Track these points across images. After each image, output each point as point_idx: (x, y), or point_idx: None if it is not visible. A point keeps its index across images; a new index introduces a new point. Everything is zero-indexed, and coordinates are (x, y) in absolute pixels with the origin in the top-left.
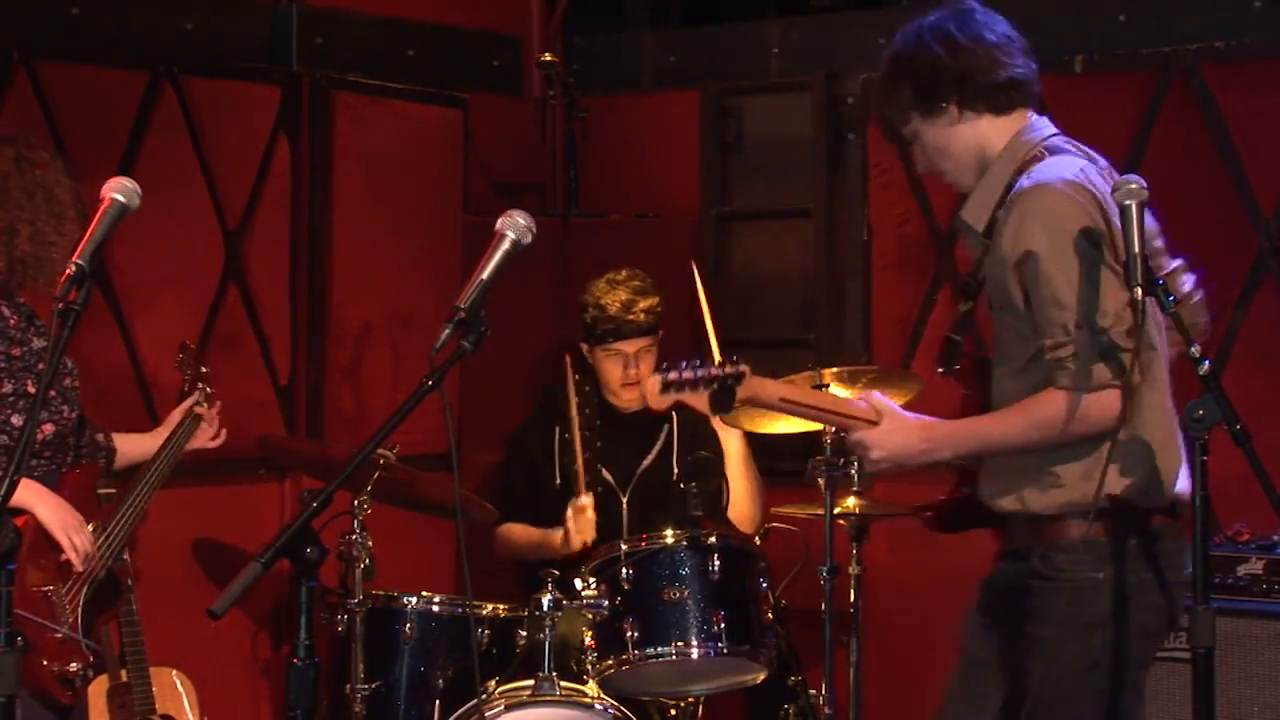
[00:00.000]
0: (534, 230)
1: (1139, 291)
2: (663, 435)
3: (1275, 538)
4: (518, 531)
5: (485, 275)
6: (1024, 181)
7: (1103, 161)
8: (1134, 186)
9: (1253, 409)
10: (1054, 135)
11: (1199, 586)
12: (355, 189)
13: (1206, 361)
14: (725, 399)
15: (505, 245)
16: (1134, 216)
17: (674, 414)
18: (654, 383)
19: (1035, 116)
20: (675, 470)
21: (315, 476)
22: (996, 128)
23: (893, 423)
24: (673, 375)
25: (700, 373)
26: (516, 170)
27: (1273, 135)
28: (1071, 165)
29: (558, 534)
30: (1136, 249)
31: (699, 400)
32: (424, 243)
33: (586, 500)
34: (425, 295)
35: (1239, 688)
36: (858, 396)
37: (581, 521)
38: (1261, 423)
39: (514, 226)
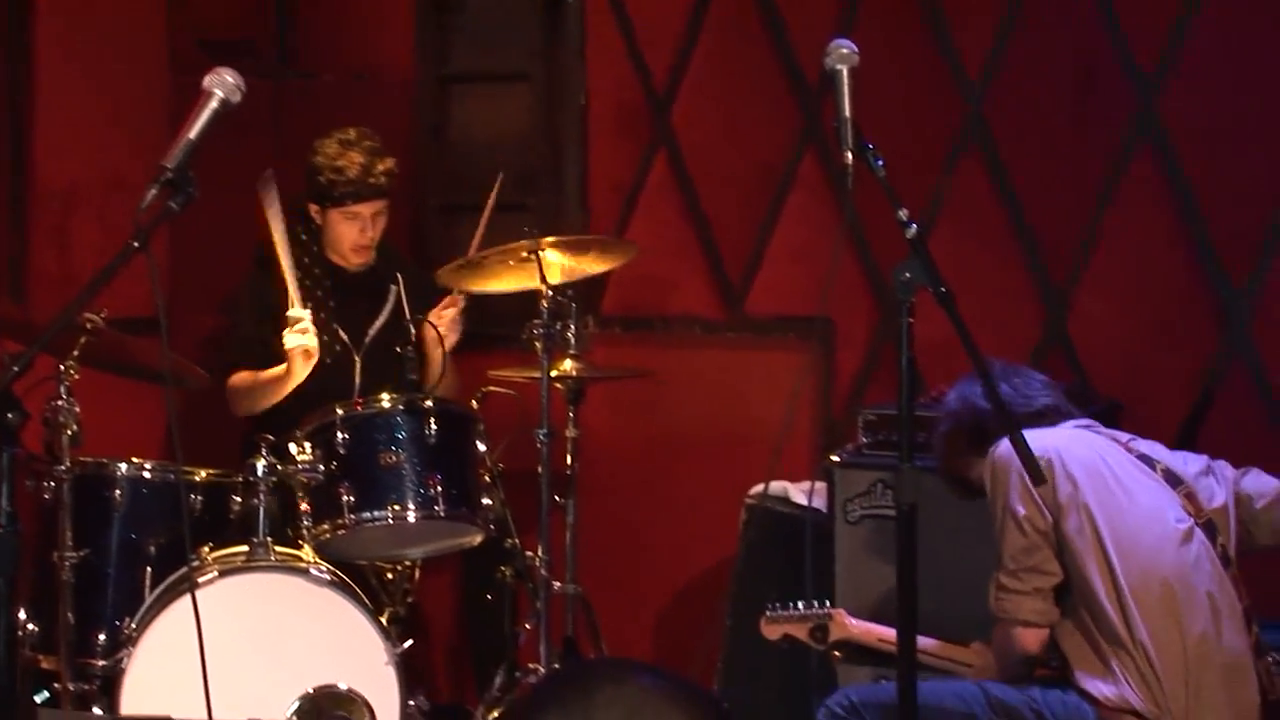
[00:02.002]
0: (243, 89)
1: (848, 155)
2: (391, 297)
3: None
4: (249, 378)
5: (192, 135)
6: None
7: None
8: (844, 51)
9: (957, 271)
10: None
11: (903, 445)
12: (56, 47)
13: (913, 225)
14: (822, 635)
15: (213, 104)
16: (844, 81)
17: (399, 275)
18: (764, 619)
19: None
20: (410, 331)
21: (19, 341)
22: None
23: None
24: (781, 613)
25: (802, 612)
26: (225, 27)
27: None
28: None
29: (284, 365)
30: (846, 113)
31: (800, 630)
32: (130, 102)
33: (303, 312)
34: (132, 156)
35: (939, 540)
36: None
37: (299, 337)
38: (965, 285)
39: (222, 85)
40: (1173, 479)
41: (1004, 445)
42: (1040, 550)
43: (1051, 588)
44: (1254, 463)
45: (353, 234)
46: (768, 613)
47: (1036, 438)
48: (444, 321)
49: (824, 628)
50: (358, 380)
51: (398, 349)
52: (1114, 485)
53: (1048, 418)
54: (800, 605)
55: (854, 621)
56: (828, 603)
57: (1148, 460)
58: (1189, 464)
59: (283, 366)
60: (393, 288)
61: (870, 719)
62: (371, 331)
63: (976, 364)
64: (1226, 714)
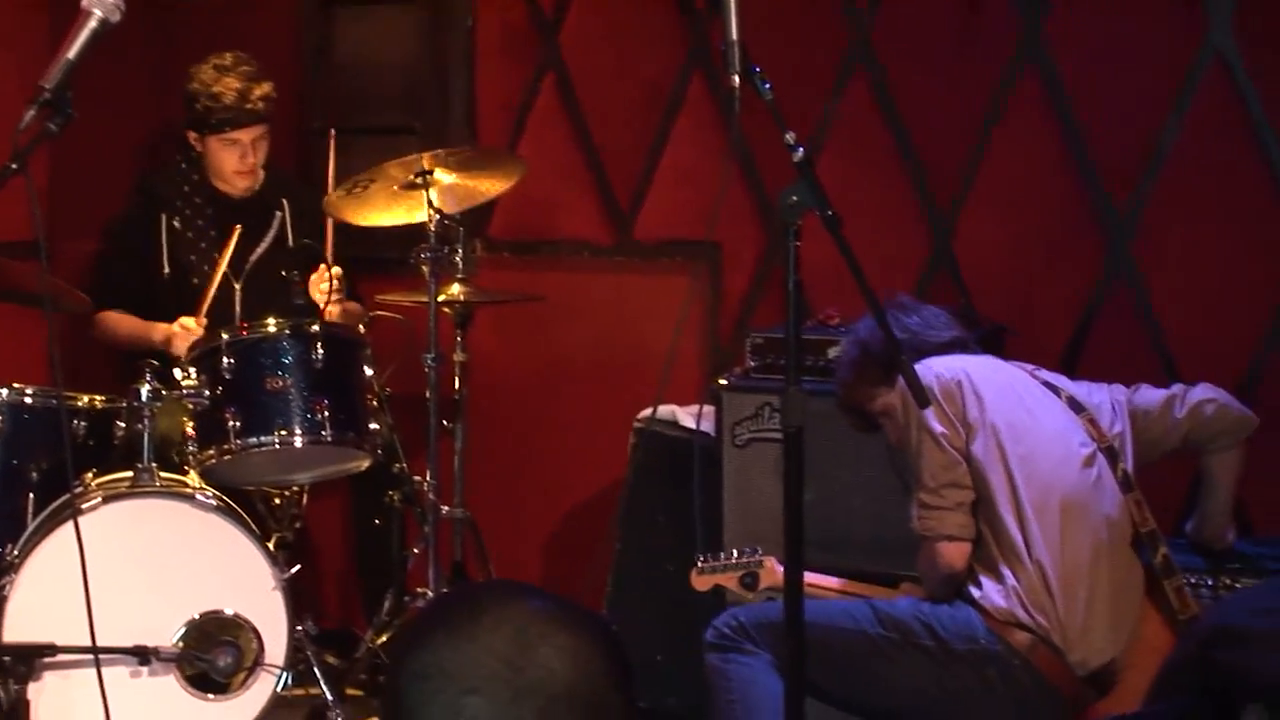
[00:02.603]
0: (122, 9)
1: (735, 79)
2: (275, 223)
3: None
4: (118, 320)
5: (71, 55)
6: None
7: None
8: None
9: (844, 195)
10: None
11: (791, 368)
12: None
13: (800, 148)
14: (752, 581)
15: (92, 24)
16: (731, 4)
17: (285, 201)
18: (694, 572)
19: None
20: (294, 256)
21: None
22: None
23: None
24: (711, 564)
25: (733, 564)
26: None
27: None
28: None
29: (160, 331)
30: (734, 36)
31: (730, 580)
32: (8, 21)
33: (196, 323)
34: (10, 77)
35: (826, 463)
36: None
37: (184, 339)
38: (852, 209)
39: (101, 4)
40: (1076, 406)
41: (918, 369)
42: (959, 466)
43: (970, 502)
44: (1135, 383)
45: (233, 160)
46: (698, 565)
47: (947, 361)
48: (324, 293)
49: (754, 575)
50: (238, 308)
51: (284, 273)
52: (1020, 408)
53: (955, 349)
54: (731, 555)
55: (784, 568)
56: (758, 550)
57: (1052, 388)
58: (1092, 393)
59: (157, 331)
60: (277, 214)
61: (759, 638)
62: (252, 259)
63: (862, 288)
64: (1111, 634)
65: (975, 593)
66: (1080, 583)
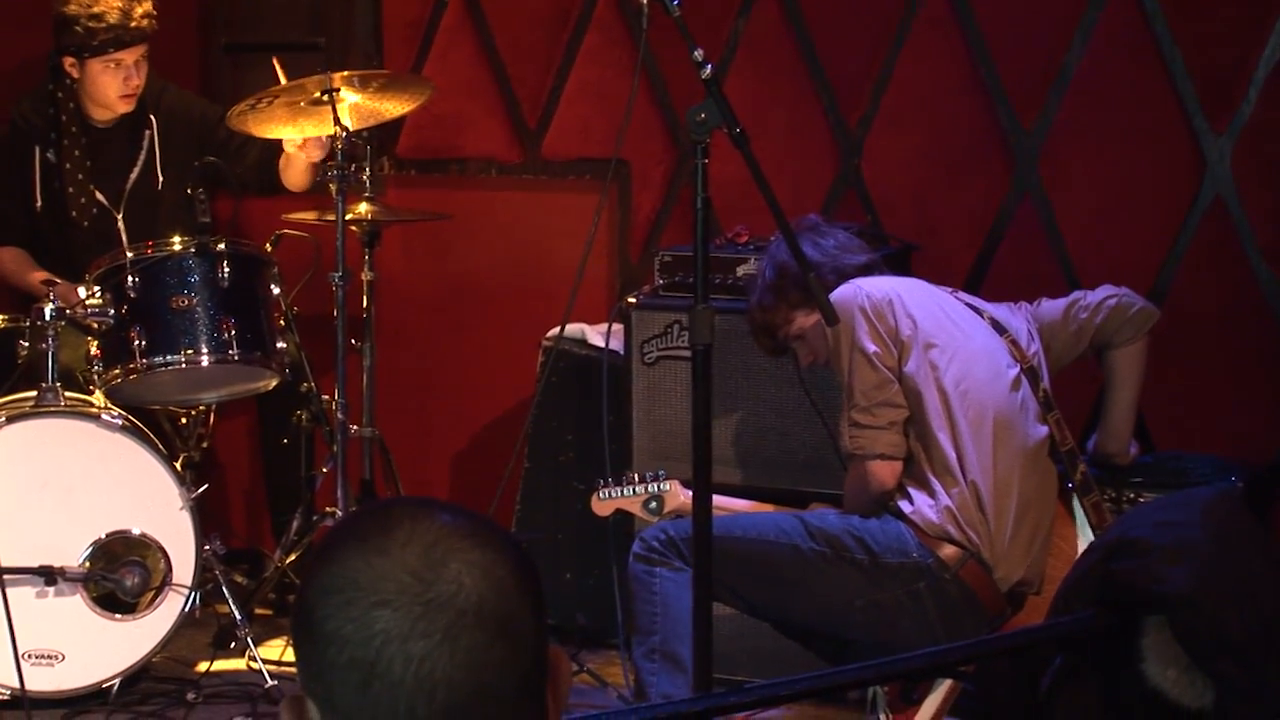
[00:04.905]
0: None
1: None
2: (145, 144)
3: (772, 239)
4: (13, 263)
5: None
6: None
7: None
8: None
9: (752, 114)
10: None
11: (699, 286)
12: None
13: (709, 65)
14: (657, 506)
15: None
16: None
17: (153, 119)
18: (595, 498)
19: None
20: (160, 179)
21: None
22: None
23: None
24: (613, 490)
25: (636, 488)
26: None
27: None
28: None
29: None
30: None
31: (634, 505)
32: None
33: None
34: None
35: (734, 381)
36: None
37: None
38: (760, 128)
39: None
40: (999, 328)
41: (843, 289)
42: (891, 385)
43: (902, 421)
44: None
45: (117, 84)
46: (599, 491)
47: (876, 281)
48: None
49: (659, 499)
50: (124, 237)
51: (189, 190)
52: (951, 326)
53: (872, 271)
54: (633, 479)
55: (689, 492)
56: (661, 473)
57: (975, 310)
58: (1011, 315)
59: (40, 281)
60: (146, 133)
61: (688, 554)
62: (128, 188)
63: (771, 206)
64: (1026, 552)
65: (906, 507)
66: (1009, 501)
